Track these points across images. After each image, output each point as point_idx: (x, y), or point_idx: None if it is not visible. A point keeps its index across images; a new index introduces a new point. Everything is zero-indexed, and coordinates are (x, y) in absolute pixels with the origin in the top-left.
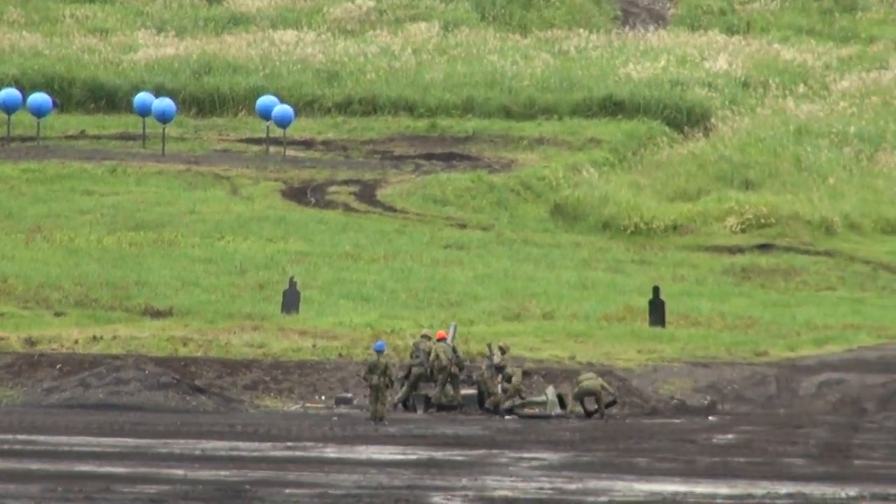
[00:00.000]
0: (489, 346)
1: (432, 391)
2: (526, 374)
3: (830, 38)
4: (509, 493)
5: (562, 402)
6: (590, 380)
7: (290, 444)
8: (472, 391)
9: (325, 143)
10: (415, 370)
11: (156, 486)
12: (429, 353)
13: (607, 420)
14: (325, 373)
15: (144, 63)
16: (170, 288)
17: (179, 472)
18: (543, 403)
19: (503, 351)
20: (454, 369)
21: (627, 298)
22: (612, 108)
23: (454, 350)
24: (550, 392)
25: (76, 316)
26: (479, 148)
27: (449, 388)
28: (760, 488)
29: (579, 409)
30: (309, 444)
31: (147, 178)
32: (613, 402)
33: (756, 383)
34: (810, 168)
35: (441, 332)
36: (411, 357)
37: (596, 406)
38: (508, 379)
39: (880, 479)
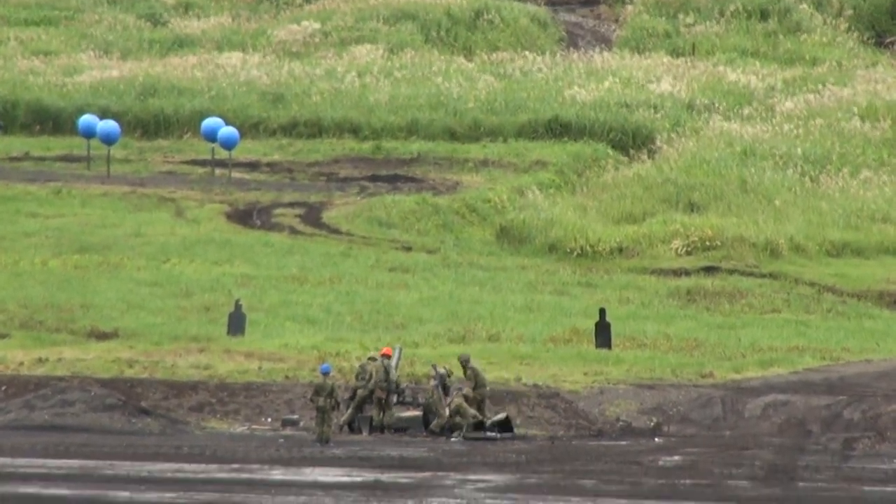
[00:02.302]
0: (434, 366)
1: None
2: (467, 398)
3: (775, 60)
4: None
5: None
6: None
7: (236, 466)
8: (416, 413)
9: (271, 165)
10: (359, 392)
11: None
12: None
13: (554, 442)
14: (272, 395)
15: (89, 85)
16: (115, 310)
17: (125, 493)
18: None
19: (449, 375)
20: (379, 392)
21: (573, 321)
22: (558, 130)
23: (386, 372)
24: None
25: (21, 338)
26: (424, 170)
27: (389, 409)
28: None
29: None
30: (255, 466)
31: (92, 200)
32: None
33: (702, 405)
34: (755, 190)
35: (386, 349)
36: (357, 379)
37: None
38: (446, 390)
39: (825, 502)
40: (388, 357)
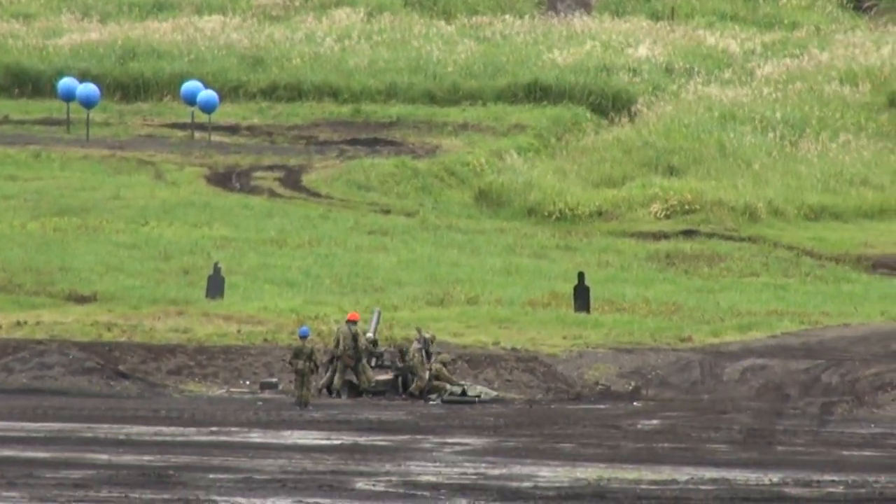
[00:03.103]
0: (419, 330)
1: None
2: (445, 364)
3: (754, 23)
4: (433, 479)
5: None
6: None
7: (214, 428)
8: (389, 376)
9: (250, 128)
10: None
11: (80, 470)
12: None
13: (532, 405)
14: (250, 358)
15: (69, 48)
16: (94, 273)
17: (103, 456)
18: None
19: (432, 339)
20: (347, 360)
21: (552, 284)
22: (537, 93)
23: (354, 338)
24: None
25: None
26: (403, 133)
27: (364, 372)
28: (684, 474)
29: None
30: (233, 428)
31: (71, 163)
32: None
33: (680, 369)
34: (734, 154)
35: (352, 314)
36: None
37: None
38: (428, 354)
39: (803, 465)
40: (355, 322)
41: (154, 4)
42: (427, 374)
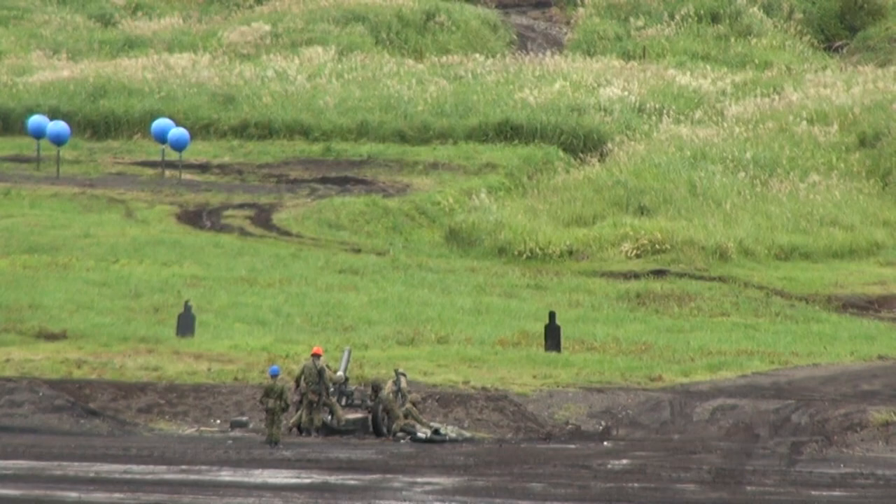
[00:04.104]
0: (396, 371)
1: (326, 415)
2: (415, 404)
3: (725, 63)
4: None
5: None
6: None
7: (184, 467)
8: (362, 415)
9: (221, 166)
10: (309, 395)
11: None
12: (320, 374)
13: (502, 444)
14: (221, 396)
15: (39, 85)
16: (64, 311)
17: (73, 494)
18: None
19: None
20: (311, 395)
21: (523, 324)
22: (508, 132)
23: (319, 373)
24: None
25: None
26: (374, 172)
27: (334, 411)
28: None
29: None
30: (204, 467)
31: (41, 200)
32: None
33: (650, 409)
34: (705, 194)
35: (316, 349)
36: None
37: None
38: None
39: None
40: (319, 356)
41: (125, 42)
42: (401, 412)
